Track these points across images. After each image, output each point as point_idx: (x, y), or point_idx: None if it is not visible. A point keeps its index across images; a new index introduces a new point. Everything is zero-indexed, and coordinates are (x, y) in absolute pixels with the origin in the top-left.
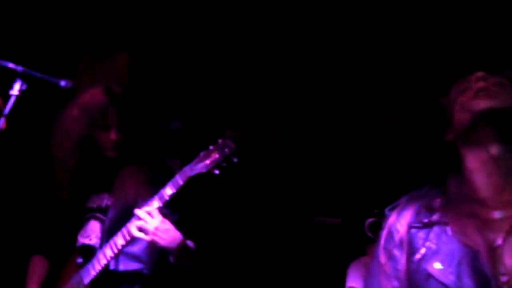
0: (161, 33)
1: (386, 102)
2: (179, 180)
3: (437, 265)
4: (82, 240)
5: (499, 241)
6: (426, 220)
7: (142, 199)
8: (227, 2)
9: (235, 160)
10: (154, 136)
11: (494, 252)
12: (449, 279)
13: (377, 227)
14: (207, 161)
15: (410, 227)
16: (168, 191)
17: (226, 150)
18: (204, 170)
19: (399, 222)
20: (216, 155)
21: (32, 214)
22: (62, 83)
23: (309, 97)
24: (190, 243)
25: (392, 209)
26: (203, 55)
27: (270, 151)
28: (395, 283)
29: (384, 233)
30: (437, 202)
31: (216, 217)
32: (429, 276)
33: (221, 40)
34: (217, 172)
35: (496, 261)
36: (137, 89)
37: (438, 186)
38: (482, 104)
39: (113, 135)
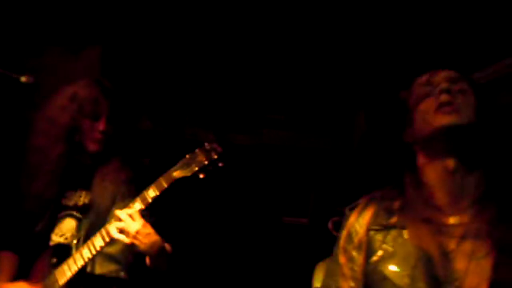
0: (133, 29)
1: (353, 102)
2: (164, 182)
3: (393, 268)
4: (57, 239)
5: (452, 246)
6: (384, 223)
7: (121, 199)
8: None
9: (221, 164)
10: (134, 135)
11: (446, 256)
12: (404, 281)
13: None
14: (193, 165)
15: (369, 229)
16: (151, 193)
17: (213, 154)
18: (189, 174)
19: (359, 223)
20: (202, 159)
21: (1, 209)
22: (23, 78)
23: (279, 97)
24: (167, 246)
25: (352, 209)
26: (174, 53)
27: (239, 152)
28: (352, 284)
29: (343, 234)
30: (396, 204)
31: (188, 219)
32: (385, 278)
33: (193, 38)
34: (202, 176)
35: (449, 265)
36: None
37: (398, 186)
38: (444, 120)
39: (101, 125)
